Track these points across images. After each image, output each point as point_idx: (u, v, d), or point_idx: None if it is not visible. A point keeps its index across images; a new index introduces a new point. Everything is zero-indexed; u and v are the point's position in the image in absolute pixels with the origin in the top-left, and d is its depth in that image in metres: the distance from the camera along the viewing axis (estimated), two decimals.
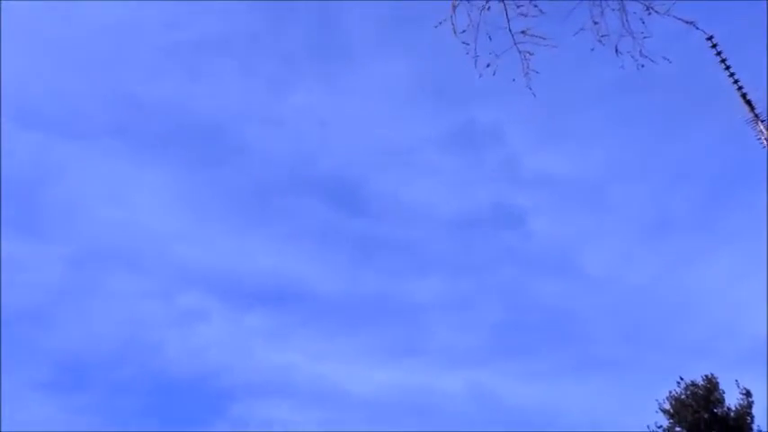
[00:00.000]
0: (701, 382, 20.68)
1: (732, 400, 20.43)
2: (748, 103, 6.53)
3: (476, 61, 5.85)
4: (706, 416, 19.80)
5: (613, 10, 5.81)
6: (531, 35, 5.83)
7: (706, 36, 6.78)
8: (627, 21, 5.78)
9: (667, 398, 20.72)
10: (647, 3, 5.78)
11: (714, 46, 6.21)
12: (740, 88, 6.35)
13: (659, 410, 20.77)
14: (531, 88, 5.94)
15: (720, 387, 20.57)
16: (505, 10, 5.77)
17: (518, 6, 5.78)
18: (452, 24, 5.80)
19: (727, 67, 6.36)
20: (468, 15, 5.79)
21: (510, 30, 5.82)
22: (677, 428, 20.17)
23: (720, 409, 19.99)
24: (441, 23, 5.80)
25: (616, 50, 5.84)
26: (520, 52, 5.87)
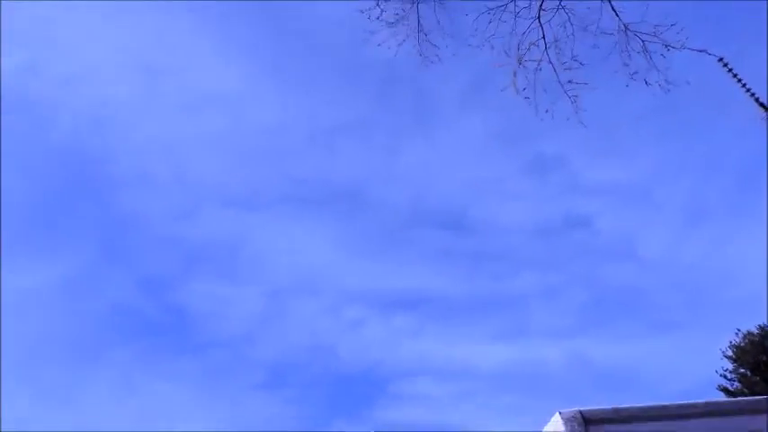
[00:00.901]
0: (756, 331, 22.68)
1: None
2: (761, 105, 7.58)
3: (536, 109, 7.50)
4: (764, 358, 21.71)
5: (638, 52, 7.41)
6: (576, 82, 7.46)
7: (717, 58, 8.24)
8: (650, 58, 7.37)
9: (729, 346, 22.88)
10: (664, 42, 7.35)
11: (725, 65, 7.47)
12: (752, 94, 7.50)
13: (723, 357, 22.94)
14: (582, 122, 7.55)
15: None
16: (554, 68, 7.41)
17: (563, 63, 7.42)
18: (515, 86, 7.47)
19: (739, 80, 7.58)
20: (526, 77, 7.46)
21: (560, 81, 7.45)
22: (741, 369, 22.30)
23: None
24: (506, 88, 7.47)
25: (645, 83, 7.42)
26: (569, 96, 7.50)
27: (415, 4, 7.43)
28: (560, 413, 5.32)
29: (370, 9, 7.27)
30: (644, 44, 7.34)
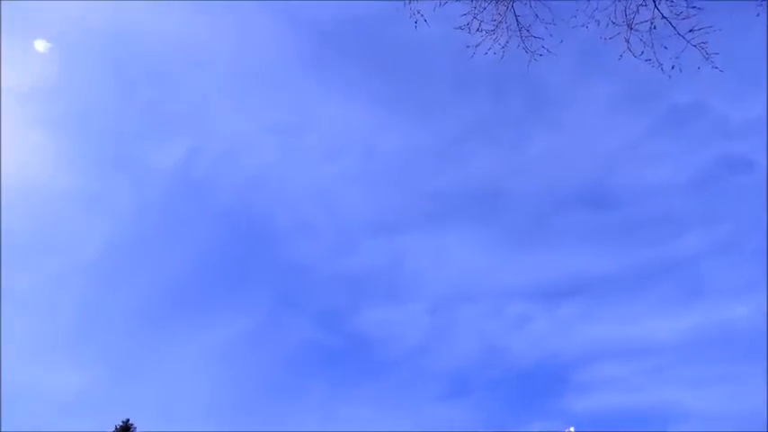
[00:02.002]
0: None
1: None
2: None
3: (661, 68, 7.23)
4: None
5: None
6: (699, 29, 7.09)
7: None
8: None
9: None
10: None
11: None
12: None
13: None
14: (717, 67, 7.14)
15: None
16: (669, 22, 7.12)
17: (678, 14, 7.10)
18: (631, 51, 7.28)
19: None
20: (641, 39, 7.23)
21: (680, 34, 7.13)
22: None
23: None
24: (622, 56, 7.30)
25: None
26: (695, 46, 7.14)
27: (511, 5, 7.55)
28: None
29: (468, 24, 7.50)
30: None
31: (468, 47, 7.89)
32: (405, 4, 7.56)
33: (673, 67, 7.26)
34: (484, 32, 7.72)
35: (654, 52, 7.25)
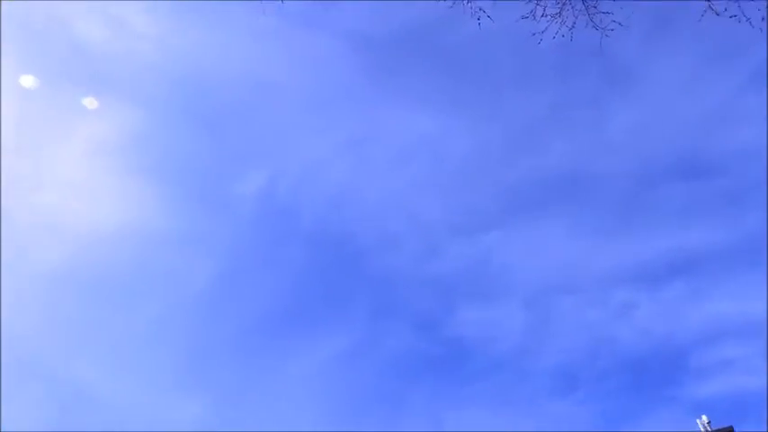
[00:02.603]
0: None
1: None
2: None
3: (750, 23, 6.75)
4: None
5: None
6: None
7: None
8: None
9: None
10: None
11: None
12: None
13: None
14: None
15: None
16: None
17: None
18: (713, 10, 6.84)
19: None
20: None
21: None
22: None
23: None
24: (702, 16, 6.88)
25: None
26: None
27: None
28: None
29: (532, 11, 7.32)
30: None
31: (534, 34, 7.70)
32: (465, 3, 7.47)
33: (763, 19, 6.76)
34: (549, 17, 7.50)
35: (739, 6, 6.78)
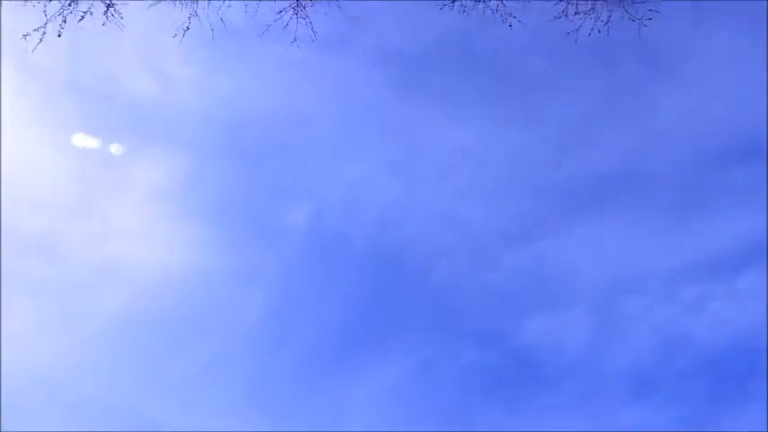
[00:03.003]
0: None
1: None
2: None
3: None
4: None
5: None
6: None
7: None
8: None
9: None
10: None
11: None
12: None
13: None
14: None
15: None
16: None
17: None
18: None
19: None
20: None
21: None
22: None
23: None
24: None
25: None
26: None
27: None
28: None
29: (563, 11, 7.20)
30: None
31: (568, 33, 7.56)
32: (496, 9, 7.42)
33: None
34: (582, 14, 7.36)
35: None
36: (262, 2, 7.55)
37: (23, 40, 5.76)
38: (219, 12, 7.25)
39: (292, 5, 7.69)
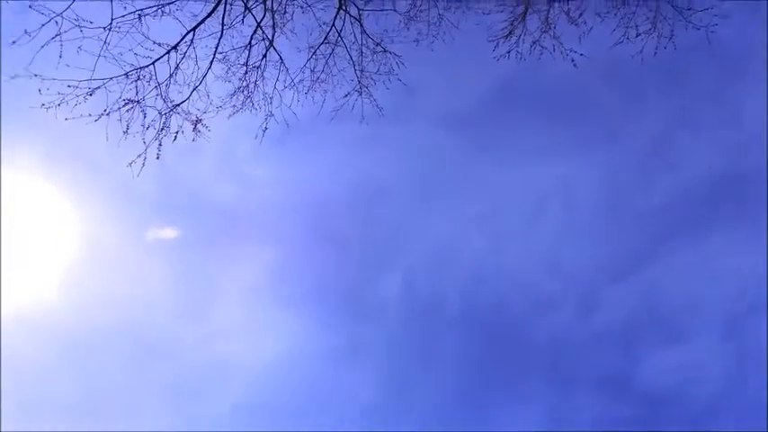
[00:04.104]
0: None
1: None
2: None
3: None
4: None
5: None
6: None
7: None
8: None
9: None
10: None
11: None
12: None
13: None
14: None
15: None
16: None
17: None
18: None
19: None
20: None
21: None
22: None
23: None
24: None
25: None
26: None
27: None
28: None
29: (624, 35, 7.12)
30: None
31: (633, 56, 7.46)
32: (553, 49, 7.45)
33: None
34: (643, 35, 7.26)
35: None
36: (329, 92, 7.94)
37: (129, 168, 6.34)
38: (291, 107, 7.68)
39: (356, 89, 8.05)
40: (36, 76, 6.03)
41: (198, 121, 6.44)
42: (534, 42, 7.72)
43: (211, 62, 6.56)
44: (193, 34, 6.47)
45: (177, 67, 6.38)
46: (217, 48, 6.55)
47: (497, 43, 7.83)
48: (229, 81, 7.34)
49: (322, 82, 8.00)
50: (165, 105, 6.33)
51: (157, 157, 6.27)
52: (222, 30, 6.53)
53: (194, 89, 6.45)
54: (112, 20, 5.97)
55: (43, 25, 5.92)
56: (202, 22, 6.38)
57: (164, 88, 6.46)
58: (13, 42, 6.02)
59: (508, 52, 7.95)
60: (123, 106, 6.23)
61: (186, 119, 6.43)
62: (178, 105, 6.39)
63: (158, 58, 6.47)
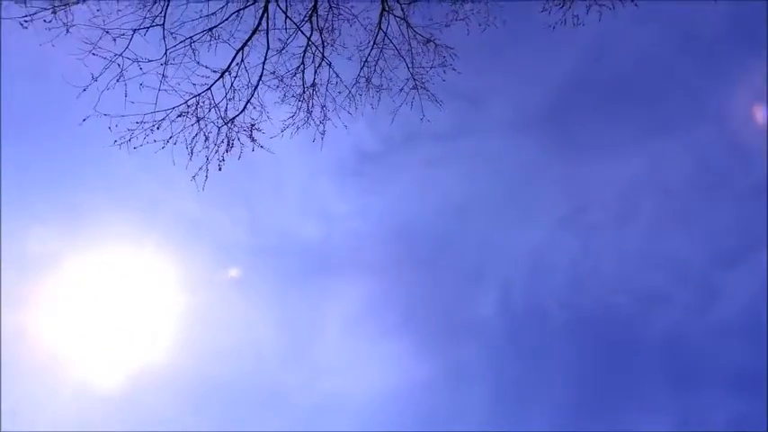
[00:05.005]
0: None
1: None
2: None
3: None
4: None
5: None
6: None
7: None
8: None
9: None
10: None
11: None
12: None
13: None
14: None
15: None
16: None
17: None
18: None
19: None
20: None
21: None
22: None
23: None
24: None
25: None
26: None
27: None
28: None
29: None
30: None
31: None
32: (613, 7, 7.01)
33: None
34: None
35: None
36: (384, 95, 7.91)
37: (193, 181, 6.54)
38: (348, 113, 7.69)
39: (412, 86, 7.97)
40: (106, 115, 6.39)
41: (252, 126, 6.56)
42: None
43: (260, 75, 6.71)
44: (242, 54, 6.68)
45: (232, 86, 6.59)
46: (264, 61, 6.71)
47: (549, 11, 7.46)
48: (284, 97, 7.47)
49: (378, 87, 7.98)
50: (221, 120, 6.50)
51: (219, 169, 6.43)
52: (268, 44, 6.71)
53: (248, 102, 6.61)
54: (167, 50, 6.28)
55: (106, 68, 6.32)
56: (249, 40, 6.58)
57: (222, 110, 6.68)
58: (84, 90, 6.45)
59: (564, 19, 7.55)
60: (184, 130, 6.50)
61: (242, 130, 6.58)
62: (234, 119, 6.57)
63: (214, 83, 6.71)
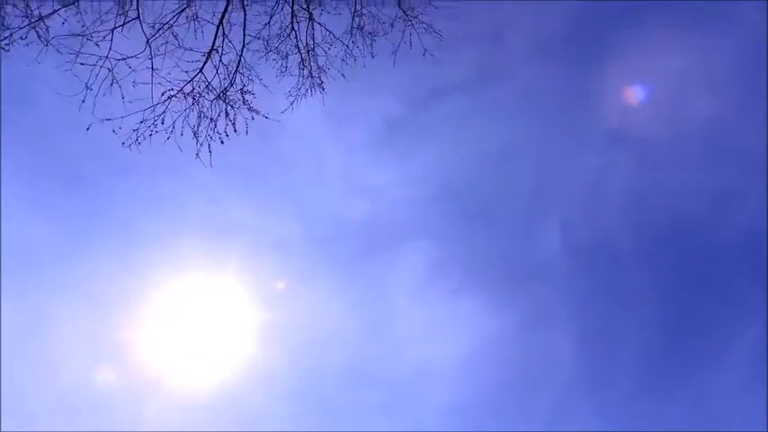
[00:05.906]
0: None
1: None
2: None
3: None
4: None
5: None
6: None
7: None
8: None
9: None
10: None
11: None
12: None
13: None
14: None
15: None
16: None
17: None
18: None
19: None
20: None
21: None
22: None
23: None
24: None
25: None
26: None
27: None
28: None
29: None
30: None
31: None
32: None
33: None
34: None
35: None
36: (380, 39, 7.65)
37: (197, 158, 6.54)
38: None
39: (406, 24, 7.65)
40: (108, 120, 6.48)
41: (242, 91, 6.47)
42: None
43: (243, 42, 6.60)
44: (223, 29, 6.59)
45: (221, 62, 6.52)
46: (244, 27, 6.58)
47: None
48: (284, 69, 7.33)
49: (371, 34, 7.72)
50: (213, 94, 6.45)
51: (222, 142, 6.39)
52: (244, 9, 6.56)
53: (236, 71, 6.52)
54: (148, 40, 6.28)
55: (96, 74, 6.39)
56: (225, 12, 6.47)
57: (218, 90, 6.63)
58: (83, 101, 6.56)
59: None
60: (187, 117, 6.50)
61: (236, 99, 6.50)
62: (226, 90, 6.49)
63: (204, 65, 6.66)
